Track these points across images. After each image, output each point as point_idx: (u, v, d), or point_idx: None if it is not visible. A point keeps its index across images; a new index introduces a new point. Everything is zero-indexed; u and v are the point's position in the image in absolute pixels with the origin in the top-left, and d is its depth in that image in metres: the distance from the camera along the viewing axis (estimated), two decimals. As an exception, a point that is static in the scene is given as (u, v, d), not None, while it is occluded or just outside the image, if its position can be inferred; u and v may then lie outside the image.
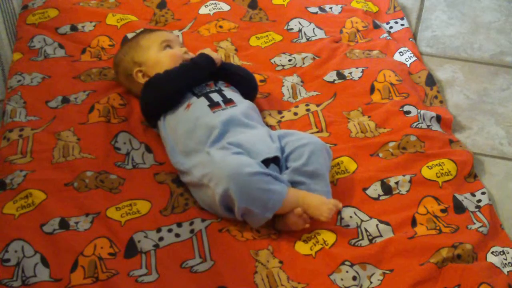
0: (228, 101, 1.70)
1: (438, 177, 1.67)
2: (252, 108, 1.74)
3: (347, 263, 1.49)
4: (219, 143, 1.60)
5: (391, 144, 1.75)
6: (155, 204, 1.61)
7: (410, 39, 2.14)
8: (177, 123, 1.68)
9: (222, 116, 1.64)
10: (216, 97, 1.71)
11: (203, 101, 1.69)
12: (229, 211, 1.54)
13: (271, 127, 1.80)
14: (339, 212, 1.59)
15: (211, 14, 2.17)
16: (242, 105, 1.71)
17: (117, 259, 1.49)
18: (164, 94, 1.72)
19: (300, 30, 2.14)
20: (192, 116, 1.67)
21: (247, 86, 1.82)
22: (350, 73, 1.96)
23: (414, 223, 1.57)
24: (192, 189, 1.63)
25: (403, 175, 1.67)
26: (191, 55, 1.83)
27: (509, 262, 1.51)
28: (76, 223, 1.55)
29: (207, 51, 1.82)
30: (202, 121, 1.64)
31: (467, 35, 2.25)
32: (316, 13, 2.21)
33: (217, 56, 1.80)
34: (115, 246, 1.52)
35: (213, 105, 1.68)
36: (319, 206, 1.51)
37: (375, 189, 1.65)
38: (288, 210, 1.53)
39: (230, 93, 1.75)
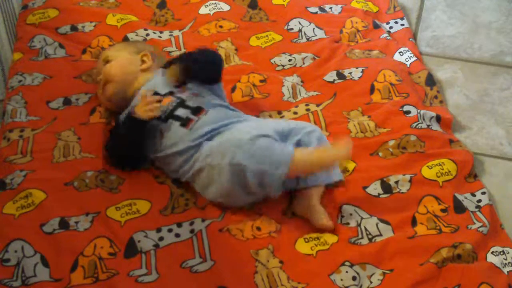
0: (197, 111, 1.64)
1: (438, 177, 1.67)
2: (225, 106, 1.70)
3: (347, 263, 1.49)
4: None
5: (391, 143, 1.75)
6: (155, 204, 1.61)
7: (410, 39, 2.14)
8: (164, 158, 1.65)
9: (200, 129, 1.61)
10: (182, 112, 1.64)
11: (174, 124, 1.63)
12: (242, 187, 1.52)
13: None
14: (339, 210, 1.59)
15: (211, 14, 2.17)
16: (213, 109, 1.65)
17: (117, 259, 1.49)
18: (124, 162, 1.67)
19: (300, 30, 2.14)
20: (174, 144, 1.62)
21: (207, 74, 1.72)
22: (350, 73, 1.96)
23: (414, 222, 1.57)
24: (198, 182, 1.59)
25: (403, 175, 1.67)
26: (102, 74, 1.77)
27: (509, 262, 1.51)
28: (76, 222, 1.55)
29: (139, 108, 1.64)
30: (186, 142, 1.60)
31: (467, 35, 2.25)
32: (316, 13, 2.21)
33: (149, 109, 1.63)
34: (115, 246, 1.52)
35: (185, 122, 1.62)
36: (334, 154, 1.54)
37: (375, 188, 1.65)
38: (302, 170, 1.54)
39: (193, 99, 1.67)
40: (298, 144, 1.60)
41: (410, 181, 1.66)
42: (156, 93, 1.69)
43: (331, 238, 1.54)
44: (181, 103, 1.66)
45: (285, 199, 1.61)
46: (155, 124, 1.64)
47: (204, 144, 1.59)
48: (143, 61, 1.80)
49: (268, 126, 1.60)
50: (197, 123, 1.62)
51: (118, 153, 1.66)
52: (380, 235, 1.55)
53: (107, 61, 1.79)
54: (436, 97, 1.95)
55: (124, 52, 1.82)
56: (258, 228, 1.56)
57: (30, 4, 2.18)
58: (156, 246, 1.52)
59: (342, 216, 1.59)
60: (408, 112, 1.83)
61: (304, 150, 1.56)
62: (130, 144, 1.64)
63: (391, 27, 2.20)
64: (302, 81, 1.96)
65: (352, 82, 1.94)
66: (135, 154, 1.66)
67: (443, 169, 1.69)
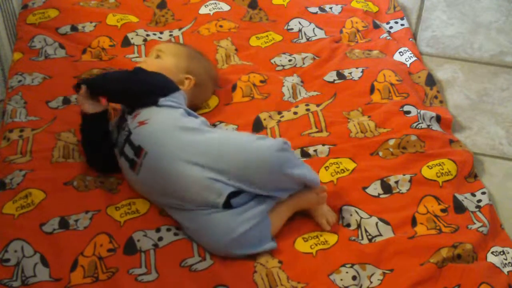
0: (138, 152, 1.54)
1: (438, 177, 1.67)
2: (175, 128, 1.56)
3: (347, 263, 1.48)
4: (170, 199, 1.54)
5: (391, 142, 1.74)
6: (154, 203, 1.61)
7: (410, 39, 2.14)
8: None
9: (146, 175, 1.53)
10: (129, 151, 1.56)
11: (125, 164, 1.57)
12: None
13: (270, 129, 1.79)
14: (340, 211, 1.59)
15: (211, 14, 2.17)
16: (154, 147, 1.53)
17: (116, 254, 1.49)
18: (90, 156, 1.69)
19: (300, 30, 2.14)
20: (131, 184, 1.61)
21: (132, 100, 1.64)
22: (350, 73, 1.96)
23: (414, 222, 1.57)
24: None
25: (403, 175, 1.67)
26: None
27: (509, 262, 1.51)
28: (76, 221, 1.55)
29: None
30: (138, 185, 1.58)
31: (467, 35, 2.25)
32: (316, 13, 2.21)
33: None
34: (115, 241, 1.51)
35: (132, 165, 1.55)
36: (311, 204, 1.55)
37: (375, 188, 1.65)
38: (287, 218, 1.55)
39: (138, 131, 1.56)
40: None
41: (410, 181, 1.66)
42: (123, 111, 1.67)
43: (331, 238, 1.54)
44: (128, 137, 1.58)
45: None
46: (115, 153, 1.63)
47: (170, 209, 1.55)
48: (182, 81, 1.77)
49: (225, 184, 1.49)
50: (142, 167, 1.53)
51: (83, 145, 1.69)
52: (380, 235, 1.55)
53: (157, 55, 1.80)
54: (436, 97, 1.95)
55: (175, 60, 1.79)
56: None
57: (30, 4, 2.18)
58: (156, 245, 1.52)
59: (342, 217, 1.59)
60: (408, 112, 1.82)
61: (275, 215, 1.53)
62: (83, 138, 1.67)
63: (391, 27, 2.20)
64: (302, 81, 1.96)
65: (352, 82, 1.93)
66: (90, 149, 1.66)
67: (443, 169, 1.69)
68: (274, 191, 1.51)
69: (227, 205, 1.49)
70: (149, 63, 1.78)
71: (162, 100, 1.62)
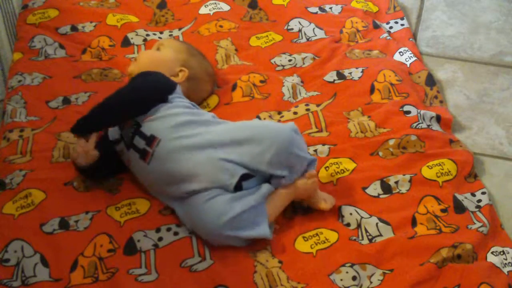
0: (150, 141, 1.55)
1: (438, 177, 1.67)
2: (182, 123, 1.58)
3: (347, 263, 1.48)
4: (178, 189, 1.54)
5: (391, 142, 1.75)
6: (154, 203, 1.61)
7: (410, 39, 2.14)
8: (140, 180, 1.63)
9: (157, 165, 1.54)
10: (139, 142, 1.56)
11: (134, 156, 1.57)
12: None
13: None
14: (339, 210, 1.59)
15: (211, 14, 2.17)
16: (167, 136, 1.55)
17: (116, 255, 1.49)
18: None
19: (300, 30, 2.14)
20: (139, 176, 1.61)
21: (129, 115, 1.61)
22: (350, 73, 1.96)
23: (414, 222, 1.57)
24: None
25: (403, 175, 1.67)
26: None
27: (509, 262, 1.51)
28: (76, 221, 1.55)
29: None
30: (149, 175, 1.57)
31: (467, 35, 2.25)
32: (316, 13, 2.21)
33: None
34: (115, 242, 1.52)
35: (143, 155, 1.56)
36: (304, 190, 1.55)
37: (374, 188, 1.65)
38: (284, 206, 1.55)
39: (148, 123, 1.58)
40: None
41: (410, 181, 1.66)
42: None
43: (331, 236, 1.54)
44: (138, 129, 1.58)
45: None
46: (121, 148, 1.63)
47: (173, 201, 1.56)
48: (176, 74, 1.78)
49: (231, 164, 1.51)
50: (153, 157, 1.54)
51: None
52: (380, 235, 1.55)
53: (157, 48, 1.83)
54: (436, 97, 1.95)
55: (172, 52, 1.81)
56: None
57: (30, 4, 2.18)
58: (156, 246, 1.52)
59: (342, 216, 1.59)
60: (408, 112, 1.83)
61: (273, 201, 1.53)
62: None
63: (391, 27, 2.20)
64: (302, 81, 1.96)
65: (352, 82, 1.93)
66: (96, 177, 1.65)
67: (443, 169, 1.69)
68: (281, 170, 1.51)
69: (238, 188, 1.50)
70: (150, 54, 1.81)
71: (170, 98, 1.65)
